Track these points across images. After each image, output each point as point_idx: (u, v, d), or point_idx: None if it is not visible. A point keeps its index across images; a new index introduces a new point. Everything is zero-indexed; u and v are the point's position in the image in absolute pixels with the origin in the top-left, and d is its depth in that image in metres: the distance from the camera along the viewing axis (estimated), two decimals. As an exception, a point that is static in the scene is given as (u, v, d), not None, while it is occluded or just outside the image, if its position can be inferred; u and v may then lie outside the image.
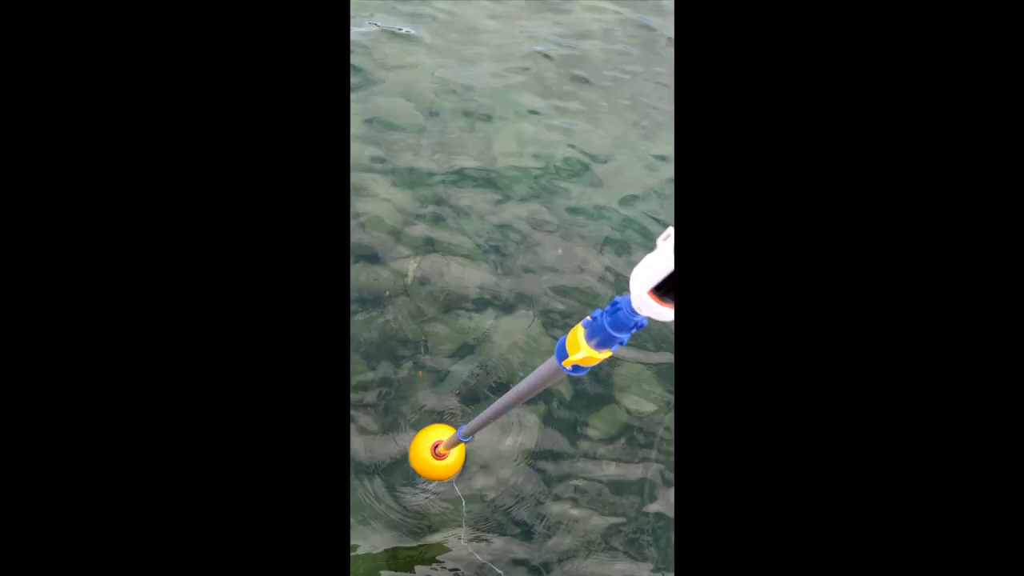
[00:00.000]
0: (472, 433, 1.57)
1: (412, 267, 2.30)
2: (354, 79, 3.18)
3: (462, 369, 2.24)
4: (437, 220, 2.67)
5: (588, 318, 0.91)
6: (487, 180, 2.85)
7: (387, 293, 2.39)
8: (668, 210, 2.92)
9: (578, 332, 0.91)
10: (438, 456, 1.81)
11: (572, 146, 3.13)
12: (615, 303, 0.83)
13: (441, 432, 1.88)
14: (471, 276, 2.52)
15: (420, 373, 2.20)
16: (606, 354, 0.90)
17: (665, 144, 3.26)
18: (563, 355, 0.94)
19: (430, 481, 1.92)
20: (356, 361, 2.21)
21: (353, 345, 2.23)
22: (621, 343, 0.86)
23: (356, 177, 2.73)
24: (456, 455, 1.84)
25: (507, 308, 2.44)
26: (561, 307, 2.48)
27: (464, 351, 2.30)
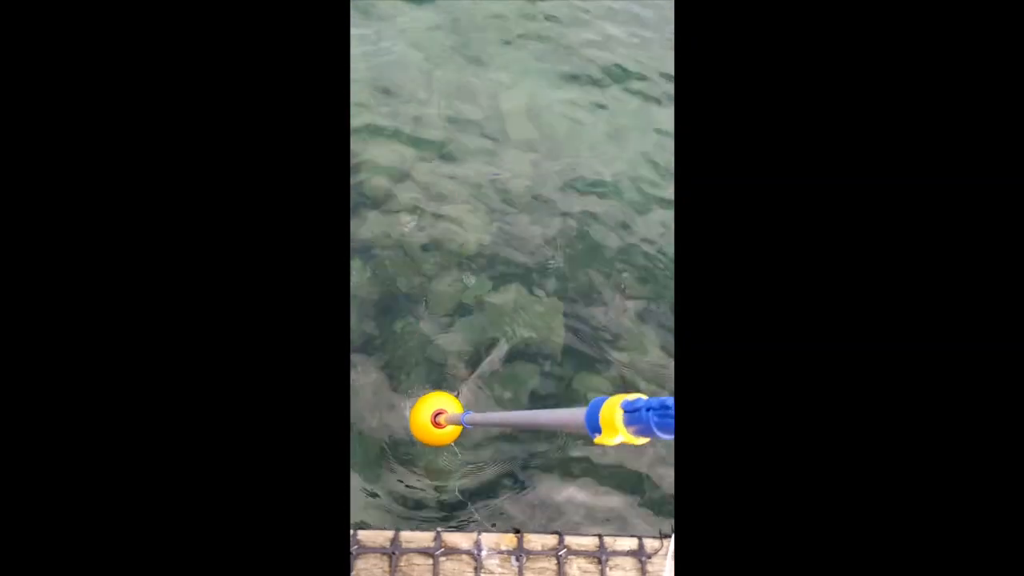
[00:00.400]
0: (475, 425, 1.58)
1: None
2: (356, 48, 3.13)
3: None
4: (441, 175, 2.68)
5: (629, 399, 0.88)
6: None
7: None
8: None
9: (616, 413, 0.88)
10: (437, 425, 1.84)
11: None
12: (666, 406, 0.80)
13: (443, 400, 1.91)
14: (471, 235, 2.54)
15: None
16: (644, 440, 0.88)
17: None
18: (594, 418, 0.91)
19: (425, 444, 1.97)
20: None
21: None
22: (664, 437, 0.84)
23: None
24: (453, 428, 1.88)
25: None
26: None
27: (461, 312, 2.35)
